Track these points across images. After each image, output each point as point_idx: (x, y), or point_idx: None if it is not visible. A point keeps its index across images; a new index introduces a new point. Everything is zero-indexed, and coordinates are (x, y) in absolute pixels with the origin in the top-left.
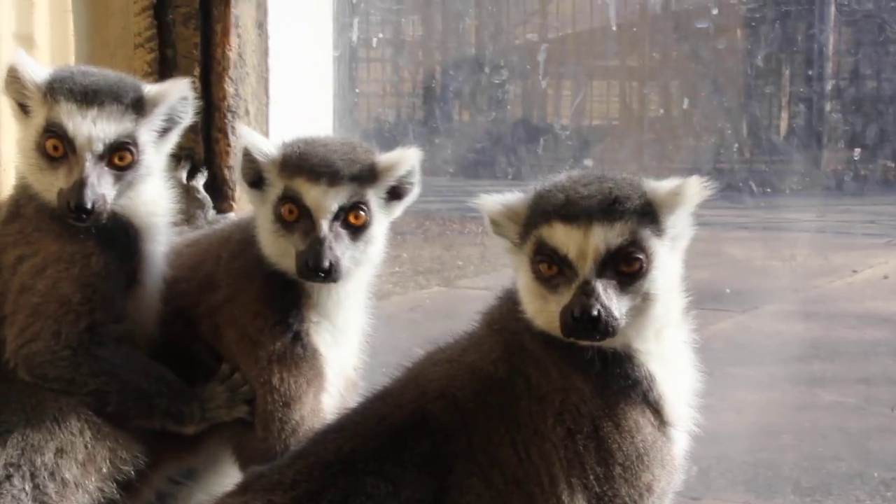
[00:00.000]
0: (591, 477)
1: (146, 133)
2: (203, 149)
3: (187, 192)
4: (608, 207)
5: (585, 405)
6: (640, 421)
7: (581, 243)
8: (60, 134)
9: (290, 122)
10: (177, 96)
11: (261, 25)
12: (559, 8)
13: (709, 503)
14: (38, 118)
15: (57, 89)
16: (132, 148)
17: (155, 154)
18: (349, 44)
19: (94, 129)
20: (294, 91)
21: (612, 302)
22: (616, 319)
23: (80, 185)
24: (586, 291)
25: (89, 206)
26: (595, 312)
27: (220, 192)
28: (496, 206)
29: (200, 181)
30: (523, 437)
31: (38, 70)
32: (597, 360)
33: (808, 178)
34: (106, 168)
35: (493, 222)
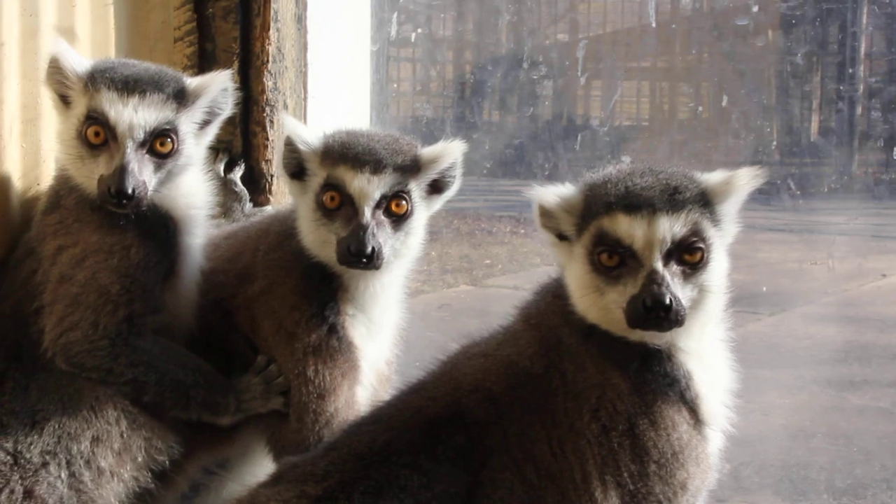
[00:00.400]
0: (626, 474)
1: (187, 123)
2: (241, 142)
3: (225, 185)
4: (670, 197)
5: (622, 402)
6: (677, 419)
7: (647, 233)
8: (102, 121)
9: (327, 116)
10: (218, 88)
11: (300, 20)
12: (591, 7)
13: None
14: (80, 107)
15: (98, 79)
16: (173, 136)
17: (195, 145)
18: (387, 39)
19: (135, 116)
20: (332, 85)
21: (679, 291)
22: (684, 309)
23: (121, 170)
24: (656, 280)
25: (129, 191)
26: (668, 301)
27: (257, 186)
28: (552, 197)
29: (238, 174)
30: (558, 432)
31: (79, 60)
32: (637, 357)
33: (840, 180)
34: (146, 156)
35: (546, 214)
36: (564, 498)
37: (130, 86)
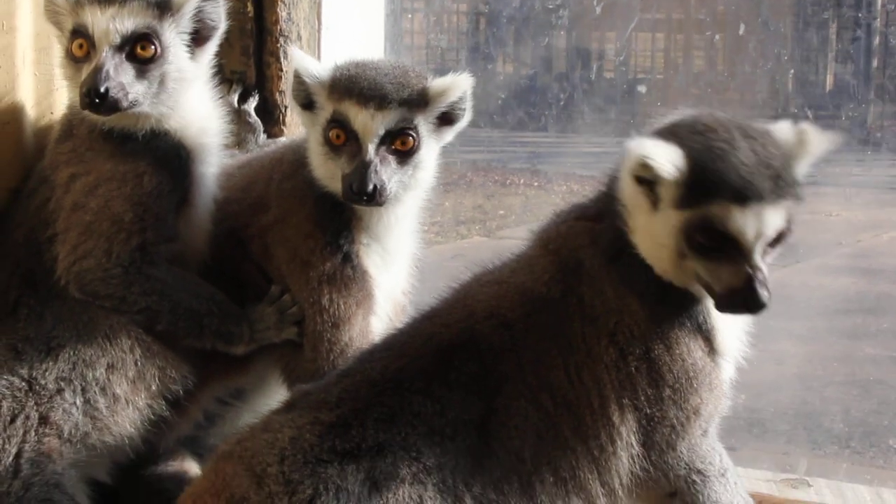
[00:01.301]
0: (642, 398)
1: (171, 31)
2: (255, 73)
3: (239, 116)
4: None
5: (639, 327)
6: (692, 345)
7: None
8: (84, 33)
9: (341, 47)
10: None
11: None
12: None
13: (749, 453)
14: (67, 27)
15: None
16: (154, 41)
17: (188, 59)
18: None
19: (112, 23)
20: (346, 16)
21: None
22: None
23: (96, 71)
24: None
25: (102, 89)
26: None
27: (270, 116)
28: (669, 166)
29: (252, 105)
30: (575, 359)
31: None
32: (655, 284)
33: (855, 132)
34: (127, 62)
35: (643, 180)
36: (580, 424)
37: None
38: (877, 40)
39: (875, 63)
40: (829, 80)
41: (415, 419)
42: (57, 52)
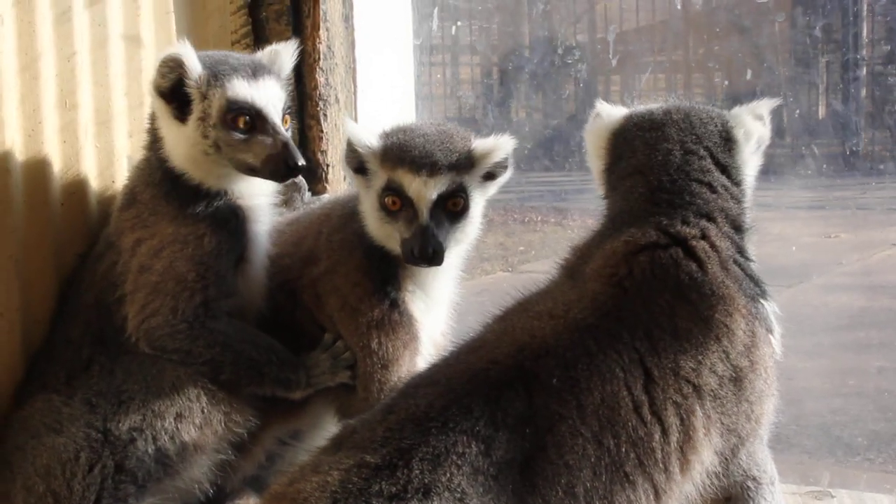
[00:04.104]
0: (731, 415)
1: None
2: (297, 136)
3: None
4: None
5: (736, 349)
6: (768, 350)
7: None
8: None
9: (376, 107)
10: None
11: (347, 19)
12: (608, 7)
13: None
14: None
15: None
16: None
17: None
18: (429, 32)
19: None
20: (379, 79)
21: None
22: None
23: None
24: None
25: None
26: None
27: (314, 175)
28: None
29: None
30: (652, 397)
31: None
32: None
33: (849, 159)
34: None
35: None
36: (648, 459)
37: None
38: (865, 70)
39: (864, 93)
40: (822, 110)
41: (459, 459)
42: (120, 122)
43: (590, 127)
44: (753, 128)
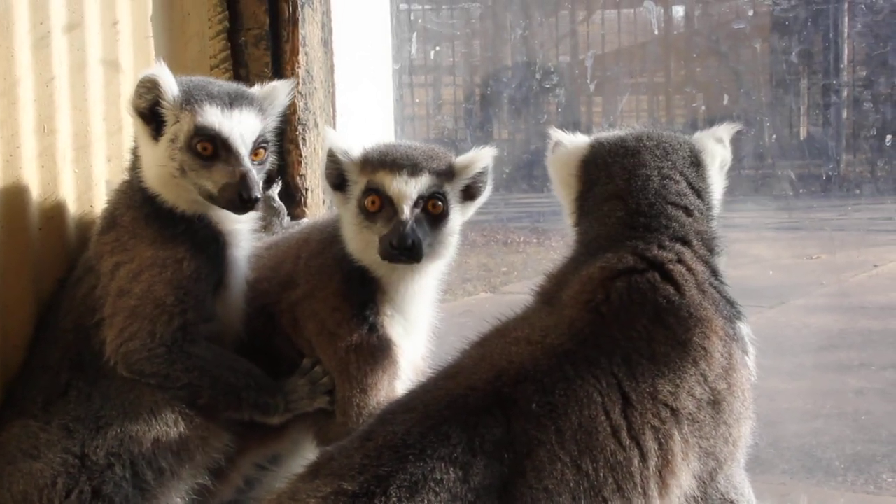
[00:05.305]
0: (708, 439)
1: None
2: (276, 160)
3: (264, 201)
4: None
5: (713, 372)
6: (746, 374)
7: None
8: None
9: (355, 132)
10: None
11: (326, 44)
12: (590, 30)
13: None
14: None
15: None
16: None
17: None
18: (408, 57)
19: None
20: (358, 103)
21: None
22: None
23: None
24: None
25: None
26: None
27: (293, 199)
28: None
29: (276, 190)
30: (630, 422)
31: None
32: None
33: (830, 180)
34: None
35: None
36: (627, 483)
37: None
38: (845, 93)
39: (844, 116)
40: (803, 132)
41: (437, 486)
42: (99, 147)
43: (553, 156)
44: (716, 151)
